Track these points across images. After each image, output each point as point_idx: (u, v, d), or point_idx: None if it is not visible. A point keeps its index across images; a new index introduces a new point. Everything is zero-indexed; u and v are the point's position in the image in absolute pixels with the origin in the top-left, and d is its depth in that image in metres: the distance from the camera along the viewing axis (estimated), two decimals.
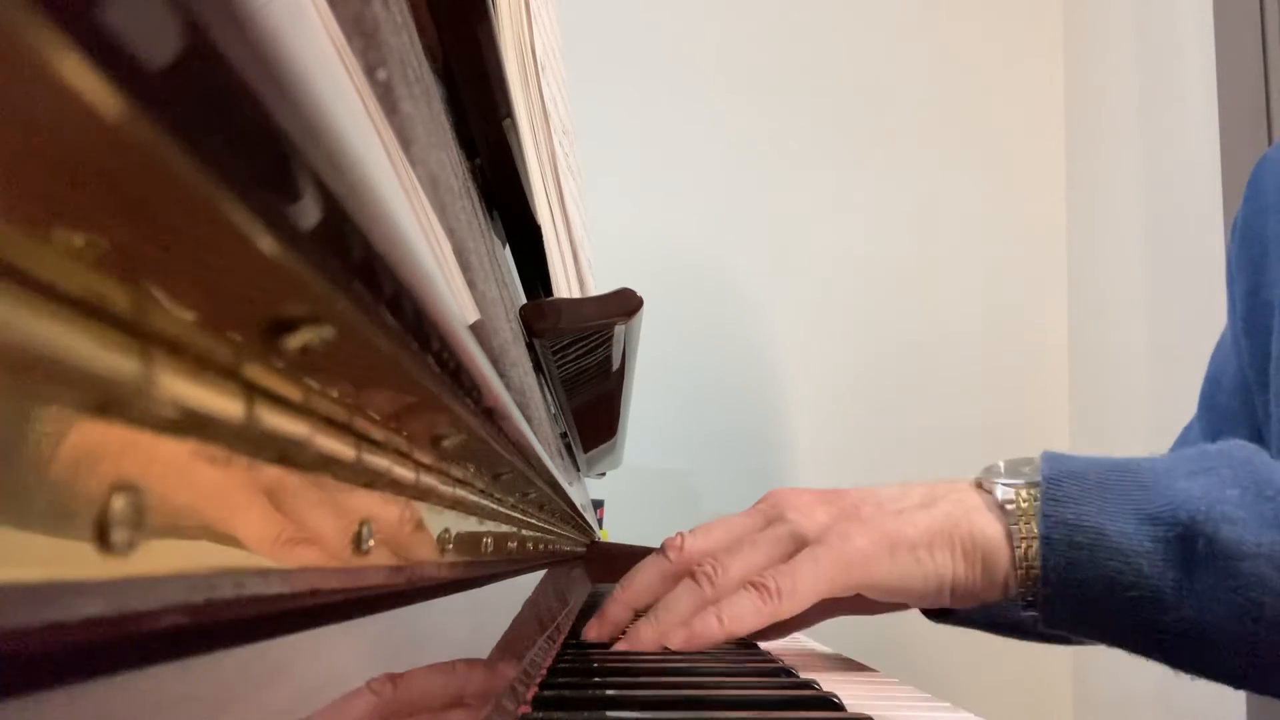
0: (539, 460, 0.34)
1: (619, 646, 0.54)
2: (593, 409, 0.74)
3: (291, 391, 0.13)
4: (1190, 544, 0.47)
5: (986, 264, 1.70)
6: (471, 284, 0.26)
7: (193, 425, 0.10)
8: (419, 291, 0.14)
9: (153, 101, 0.07)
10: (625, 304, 0.53)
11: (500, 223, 0.56)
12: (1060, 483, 0.50)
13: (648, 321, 0.64)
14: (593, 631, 0.56)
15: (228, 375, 0.11)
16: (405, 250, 0.13)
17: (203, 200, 0.08)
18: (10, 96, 0.06)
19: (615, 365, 0.64)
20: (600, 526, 1.34)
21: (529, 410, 0.35)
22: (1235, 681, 0.50)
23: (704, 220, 1.66)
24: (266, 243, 0.10)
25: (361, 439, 0.16)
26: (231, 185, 0.09)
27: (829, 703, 0.38)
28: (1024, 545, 0.50)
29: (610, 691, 0.39)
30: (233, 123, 0.08)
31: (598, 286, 0.58)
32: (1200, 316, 1.30)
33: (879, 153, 1.71)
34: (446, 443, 0.21)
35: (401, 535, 0.20)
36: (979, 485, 0.54)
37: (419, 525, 0.21)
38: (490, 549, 0.32)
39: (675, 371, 1.60)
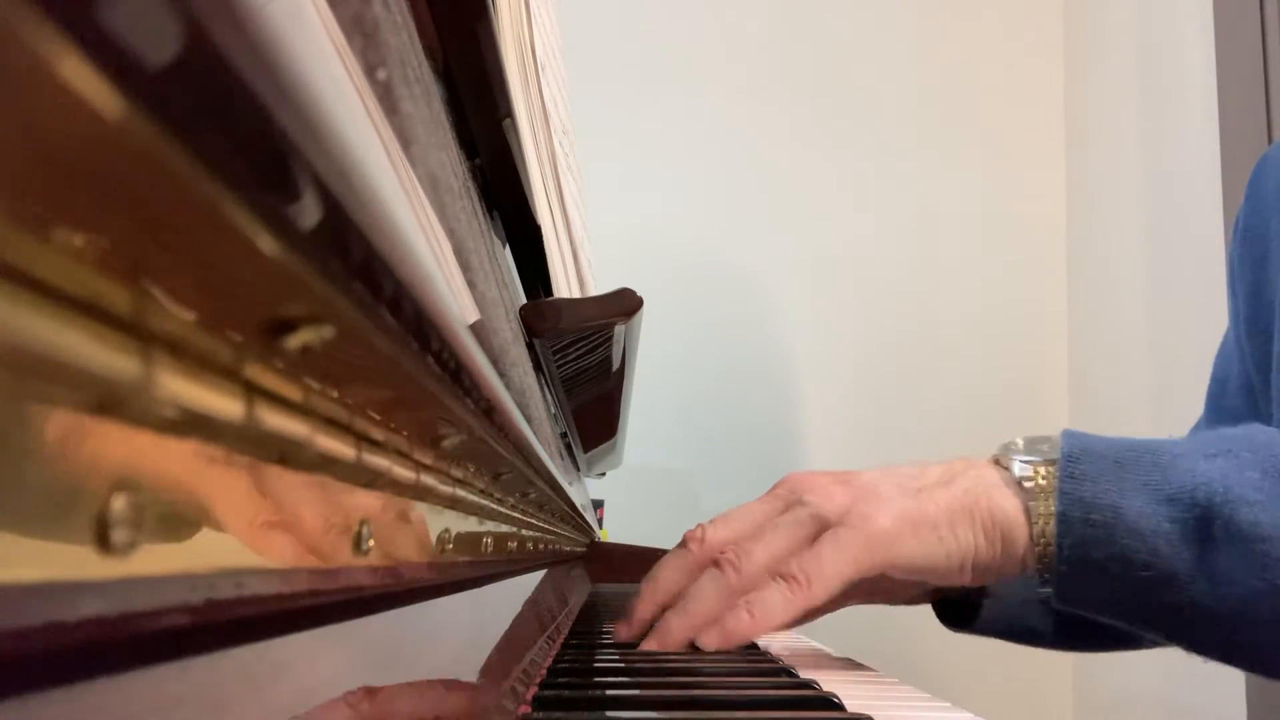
0: (539, 460, 0.34)
1: (647, 645, 0.53)
2: (593, 409, 0.74)
3: (291, 391, 0.13)
4: (1207, 525, 0.47)
5: (987, 263, 1.70)
6: (471, 284, 0.26)
7: (193, 425, 0.10)
8: (419, 291, 0.14)
9: (153, 101, 0.07)
10: (625, 304, 0.53)
11: (500, 223, 0.56)
12: (1078, 460, 0.50)
13: (648, 321, 0.64)
14: (623, 632, 0.56)
15: (228, 375, 0.11)
16: (405, 250, 0.13)
17: (203, 200, 0.08)
18: (10, 96, 0.06)
19: (615, 365, 0.64)
20: (600, 526, 1.34)
21: (529, 410, 0.35)
22: (1251, 666, 0.49)
23: (704, 220, 1.67)
24: (266, 243, 0.10)
25: (361, 439, 0.16)
26: (231, 185, 0.09)
27: (829, 703, 0.38)
28: (1041, 522, 0.50)
29: (610, 691, 0.39)
30: (232, 123, 0.08)
31: (598, 286, 0.58)
32: (1200, 316, 1.30)
33: (879, 152, 1.71)
34: (446, 442, 0.21)
35: (401, 535, 0.20)
36: (996, 462, 0.54)
37: (419, 525, 0.21)
38: (490, 549, 0.32)
39: (675, 371, 1.60)
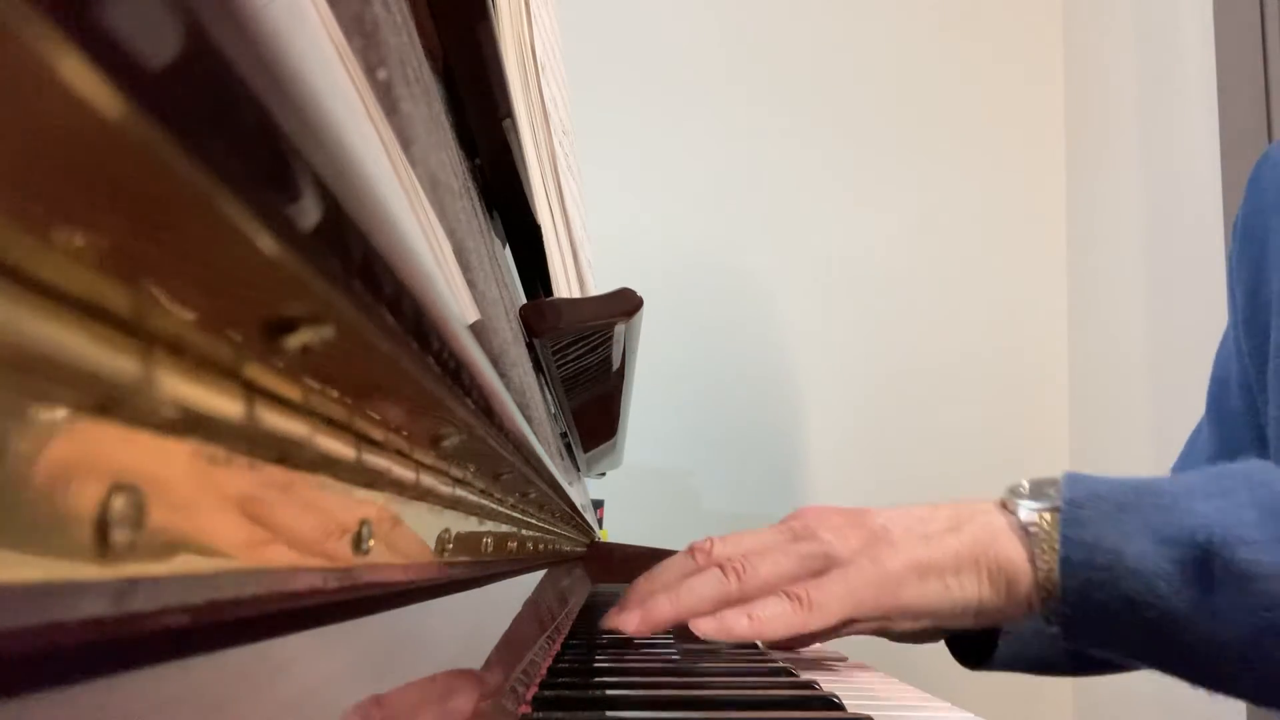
0: (539, 460, 0.34)
1: (627, 621, 0.54)
2: (593, 409, 0.73)
3: (291, 391, 0.13)
4: (1207, 566, 0.47)
5: (987, 263, 1.70)
6: (471, 284, 0.26)
7: (193, 425, 0.10)
8: (419, 291, 0.14)
9: (153, 101, 0.07)
10: (625, 304, 0.53)
11: (500, 223, 0.56)
12: (1080, 505, 0.51)
13: (648, 321, 0.64)
14: (610, 620, 0.57)
15: (228, 375, 0.11)
16: (405, 250, 0.13)
17: (203, 200, 0.08)
18: (10, 96, 0.06)
19: (615, 365, 0.64)
20: (600, 526, 1.34)
21: (529, 410, 0.35)
22: (1257, 700, 0.50)
23: (704, 220, 1.66)
24: (266, 243, 0.10)
25: (361, 439, 0.16)
26: (231, 185, 0.09)
27: (829, 703, 0.38)
28: (1046, 567, 0.51)
29: (610, 691, 0.39)
30: (233, 122, 0.08)
31: (598, 286, 0.58)
32: (1200, 317, 1.30)
33: (879, 152, 1.71)
34: (446, 443, 0.21)
35: (401, 535, 0.20)
36: (1003, 506, 0.55)
37: (419, 525, 0.21)
38: (490, 549, 0.32)
39: (675, 371, 1.60)
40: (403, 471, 0.19)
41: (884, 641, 0.56)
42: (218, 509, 0.11)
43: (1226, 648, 0.47)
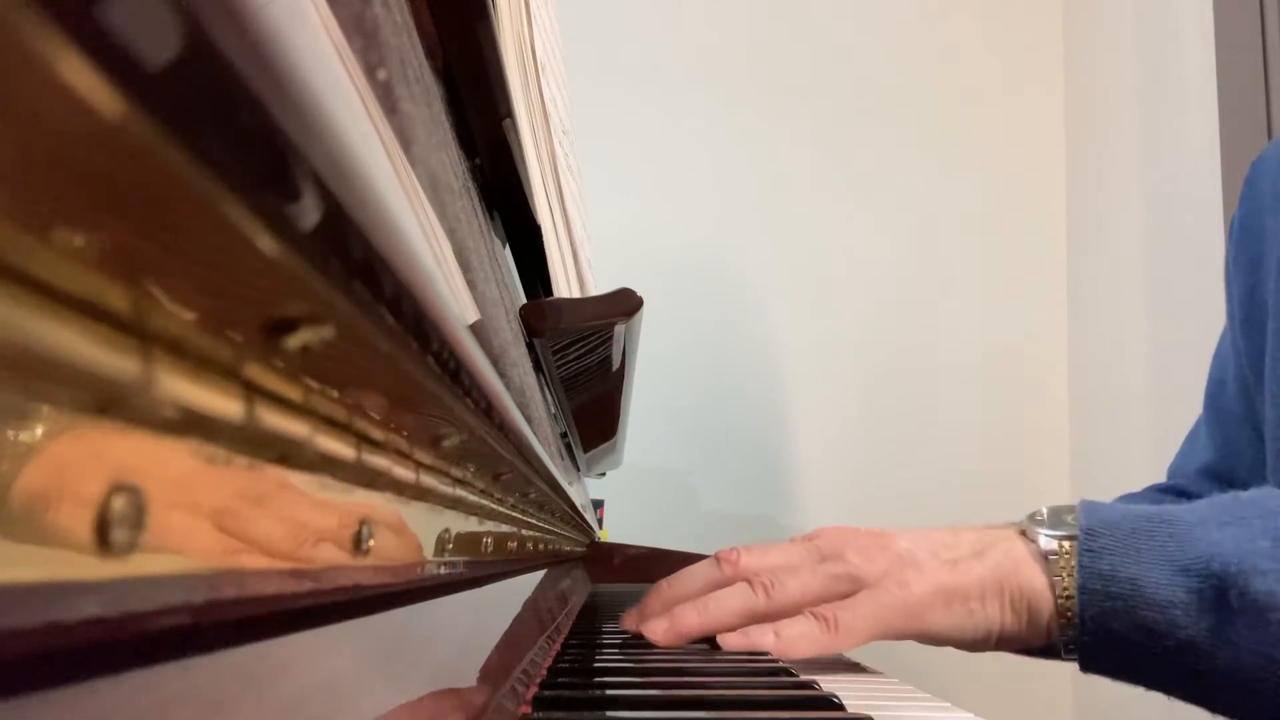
0: (539, 460, 0.34)
1: (654, 630, 0.54)
2: (593, 409, 0.74)
3: (291, 391, 0.13)
4: (1223, 595, 0.48)
5: (987, 263, 1.70)
6: (471, 284, 0.26)
7: (193, 425, 0.10)
8: (419, 291, 0.14)
9: (153, 101, 0.07)
10: (625, 304, 0.53)
11: (500, 223, 0.56)
12: (1096, 534, 0.52)
13: (648, 321, 0.64)
14: (630, 621, 0.57)
15: (228, 375, 0.11)
16: (405, 250, 0.13)
17: (203, 200, 0.08)
18: (10, 96, 0.06)
19: (615, 365, 0.64)
20: (600, 526, 1.34)
21: (529, 410, 0.35)
22: None
23: (704, 220, 1.67)
24: (266, 243, 0.10)
25: (361, 439, 0.16)
26: (231, 185, 0.09)
27: (829, 703, 0.38)
28: (1064, 595, 0.52)
29: (610, 691, 0.39)
30: (232, 122, 0.08)
31: (598, 286, 0.58)
32: (1200, 317, 1.30)
33: (879, 152, 1.71)
34: (446, 443, 0.21)
35: (401, 535, 0.20)
36: (1023, 534, 0.55)
37: (419, 525, 0.21)
38: (490, 549, 0.32)
39: (675, 371, 1.60)
40: (403, 471, 0.19)
41: (883, 642, 0.57)
42: (218, 509, 0.11)
43: (1243, 676, 0.48)
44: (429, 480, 0.21)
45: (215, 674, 0.12)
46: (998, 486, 1.60)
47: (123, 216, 0.08)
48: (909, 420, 1.64)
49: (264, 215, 0.09)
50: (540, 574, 0.55)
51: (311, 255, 0.10)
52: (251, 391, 0.12)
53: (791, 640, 0.52)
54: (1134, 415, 1.48)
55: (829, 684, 0.42)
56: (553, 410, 0.62)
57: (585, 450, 0.83)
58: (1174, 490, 0.81)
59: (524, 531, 0.43)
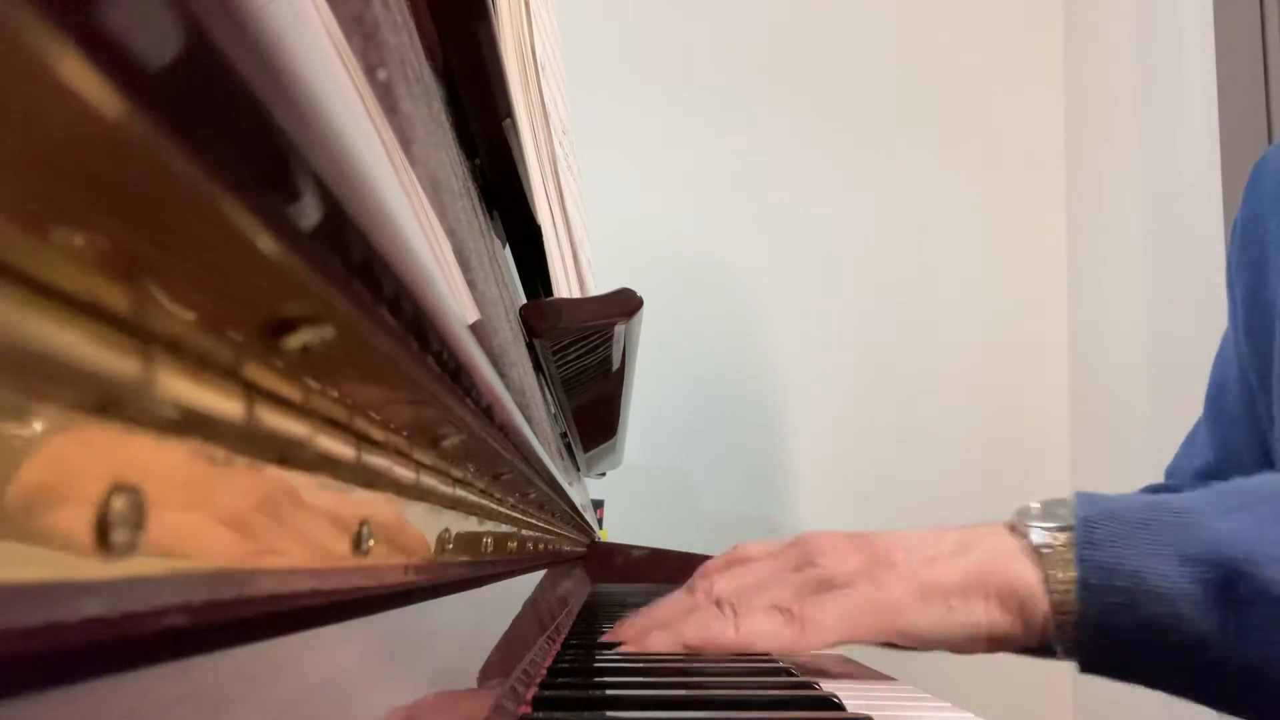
0: (539, 460, 0.34)
1: (628, 648, 0.53)
2: (593, 409, 0.73)
3: (291, 391, 0.13)
4: (1232, 586, 0.46)
5: (986, 264, 1.70)
6: (471, 284, 0.26)
7: (193, 425, 0.10)
8: (419, 291, 0.14)
9: (153, 101, 0.07)
10: (625, 304, 0.53)
11: (500, 223, 0.56)
12: (1096, 525, 0.49)
13: (648, 321, 0.64)
14: (611, 635, 0.56)
15: (228, 375, 0.11)
16: (405, 250, 0.13)
17: (203, 200, 0.08)
18: (10, 96, 0.06)
19: (615, 365, 0.64)
20: (600, 526, 1.34)
21: (529, 410, 0.35)
22: None
23: (704, 220, 1.67)
24: (266, 243, 0.10)
25: (361, 439, 0.16)
26: (231, 185, 0.09)
27: (829, 703, 0.38)
28: (1061, 590, 0.49)
29: (610, 691, 0.39)
30: (233, 123, 0.08)
31: (598, 286, 0.58)
32: (1200, 319, 1.30)
33: (879, 153, 1.71)
34: (446, 443, 0.21)
35: (401, 535, 0.20)
36: (1013, 529, 0.52)
37: (419, 525, 0.21)
38: (490, 549, 0.32)
39: (675, 371, 1.60)
40: (403, 471, 0.19)
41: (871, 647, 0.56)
42: (218, 509, 0.11)
43: (1255, 670, 0.45)
44: (429, 480, 0.21)
45: (215, 674, 0.12)
46: (997, 486, 1.60)
47: (123, 216, 0.08)
48: (908, 420, 1.64)
49: (264, 215, 0.09)
50: (540, 574, 0.55)
51: (312, 255, 0.10)
52: (252, 391, 0.12)
53: (751, 635, 0.50)
54: (1134, 415, 1.48)
55: (829, 684, 0.42)
56: (553, 410, 0.62)
57: (585, 450, 0.83)
58: (1173, 490, 0.81)
59: (524, 531, 0.43)
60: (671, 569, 1.05)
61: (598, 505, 1.36)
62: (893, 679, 0.52)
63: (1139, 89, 1.53)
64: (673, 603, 0.57)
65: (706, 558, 0.60)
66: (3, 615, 0.07)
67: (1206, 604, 0.46)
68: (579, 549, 0.91)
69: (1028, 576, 0.50)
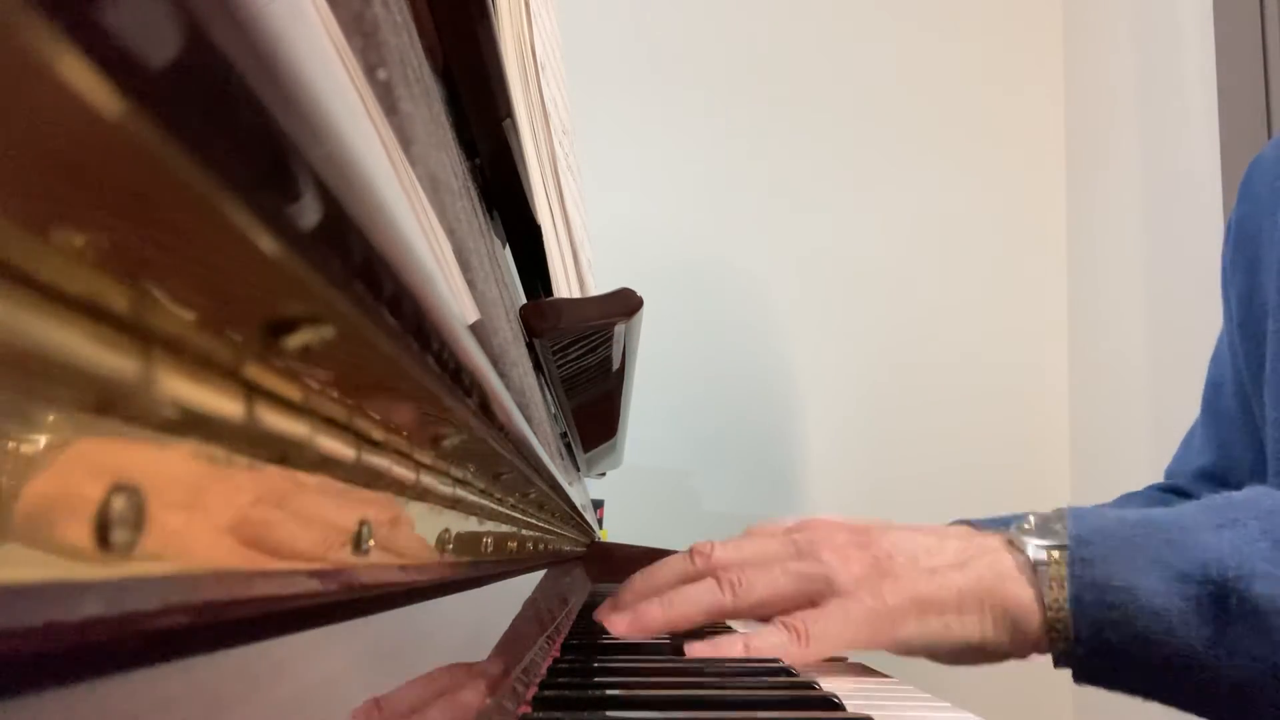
0: (539, 460, 0.34)
1: (617, 623, 0.54)
2: (593, 409, 0.73)
3: (291, 391, 0.13)
4: (1222, 601, 0.46)
5: (987, 264, 1.70)
6: (471, 284, 0.26)
7: (192, 425, 0.10)
8: (419, 291, 0.14)
9: (153, 101, 0.07)
10: (625, 304, 0.53)
11: (500, 223, 0.56)
12: (1088, 542, 0.50)
13: (648, 321, 0.64)
14: (602, 616, 0.57)
15: (228, 375, 0.11)
16: (405, 250, 0.13)
17: (203, 200, 0.08)
18: (10, 96, 0.06)
19: (615, 365, 0.64)
20: (600, 526, 1.34)
21: (529, 410, 0.35)
22: None
23: (704, 220, 1.67)
24: (266, 243, 0.10)
25: (361, 439, 0.16)
26: (231, 185, 0.09)
27: (829, 703, 0.38)
28: (1055, 607, 0.50)
29: (610, 691, 0.39)
30: (233, 123, 0.08)
31: (598, 286, 0.58)
32: (1200, 319, 1.30)
33: (879, 153, 1.71)
34: (446, 443, 0.21)
35: (401, 535, 0.20)
36: (1010, 543, 0.54)
37: (419, 525, 0.21)
38: (490, 549, 0.32)
39: (676, 371, 1.60)
40: (403, 471, 0.19)
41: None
42: (217, 509, 0.11)
43: (1244, 684, 0.46)
44: (429, 480, 0.21)
45: (215, 674, 0.12)
46: (998, 486, 1.60)
47: (123, 216, 0.08)
48: (909, 419, 1.64)
49: (264, 215, 0.09)
50: (540, 574, 0.55)
51: (311, 255, 0.10)
52: (252, 392, 0.12)
53: (760, 653, 0.51)
54: (1134, 415, 1.48)
55: (829, 684, 0.42)
56: (553, 410, 0.62)
57: (585, 450, 0.83)
58: (1174, 490, 0.81)
59: (524, 531, 0.43)
60: None
61: (598, 505, 1.36)
62: (893, 678, 0.52)
63: (1139, 89, 1.53)
64: (668, 568, 0.57)
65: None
66: (2, 615, 0.07)
67: (1197, 620, 0.47)
68: (579, 549, 0.91)
69: (1023, 596, 0.51)
